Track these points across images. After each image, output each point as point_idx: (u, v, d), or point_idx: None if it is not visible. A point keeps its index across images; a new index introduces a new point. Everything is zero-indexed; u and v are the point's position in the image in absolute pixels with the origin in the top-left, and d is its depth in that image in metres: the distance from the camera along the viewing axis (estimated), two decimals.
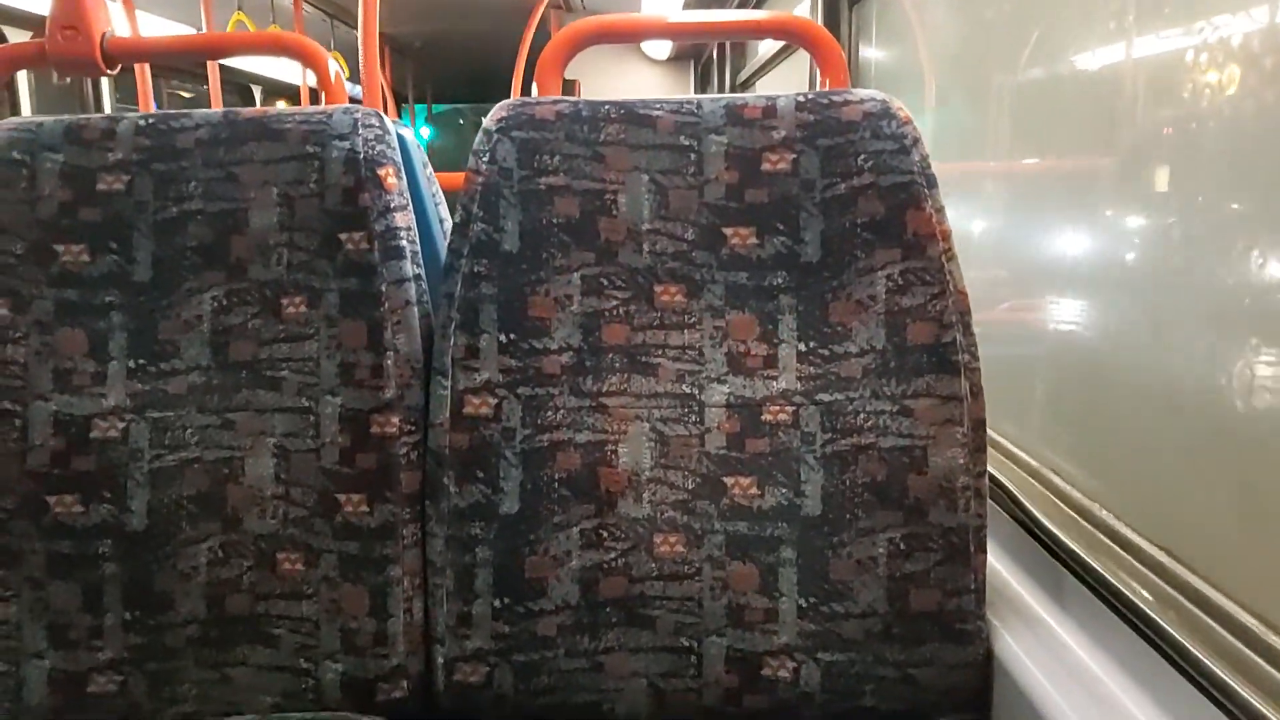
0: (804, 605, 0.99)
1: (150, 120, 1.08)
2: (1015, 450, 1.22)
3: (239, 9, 3.74)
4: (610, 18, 1.20)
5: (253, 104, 5.08)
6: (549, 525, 1.00)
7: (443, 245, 1.20)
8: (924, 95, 1.81)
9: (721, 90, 5.00)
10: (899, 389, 0.99)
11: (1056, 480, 1.10)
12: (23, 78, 2.95)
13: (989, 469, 1.02)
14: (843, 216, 1.01)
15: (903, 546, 0.98)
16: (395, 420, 1.02)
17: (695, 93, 6.45)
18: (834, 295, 1.01)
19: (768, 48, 3.63)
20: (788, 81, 3.38)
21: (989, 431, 1.01)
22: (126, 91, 3.49)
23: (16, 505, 1.03)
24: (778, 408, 1.01)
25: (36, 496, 1.03)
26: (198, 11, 3.50)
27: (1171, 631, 0.82)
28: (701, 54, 6.03)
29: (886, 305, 1.00)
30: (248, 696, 1.03)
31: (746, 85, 4.31)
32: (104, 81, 3.32)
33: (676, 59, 6.37)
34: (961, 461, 0.98)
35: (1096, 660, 0.91)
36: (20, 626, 1.03)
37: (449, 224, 1.25)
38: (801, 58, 2.34)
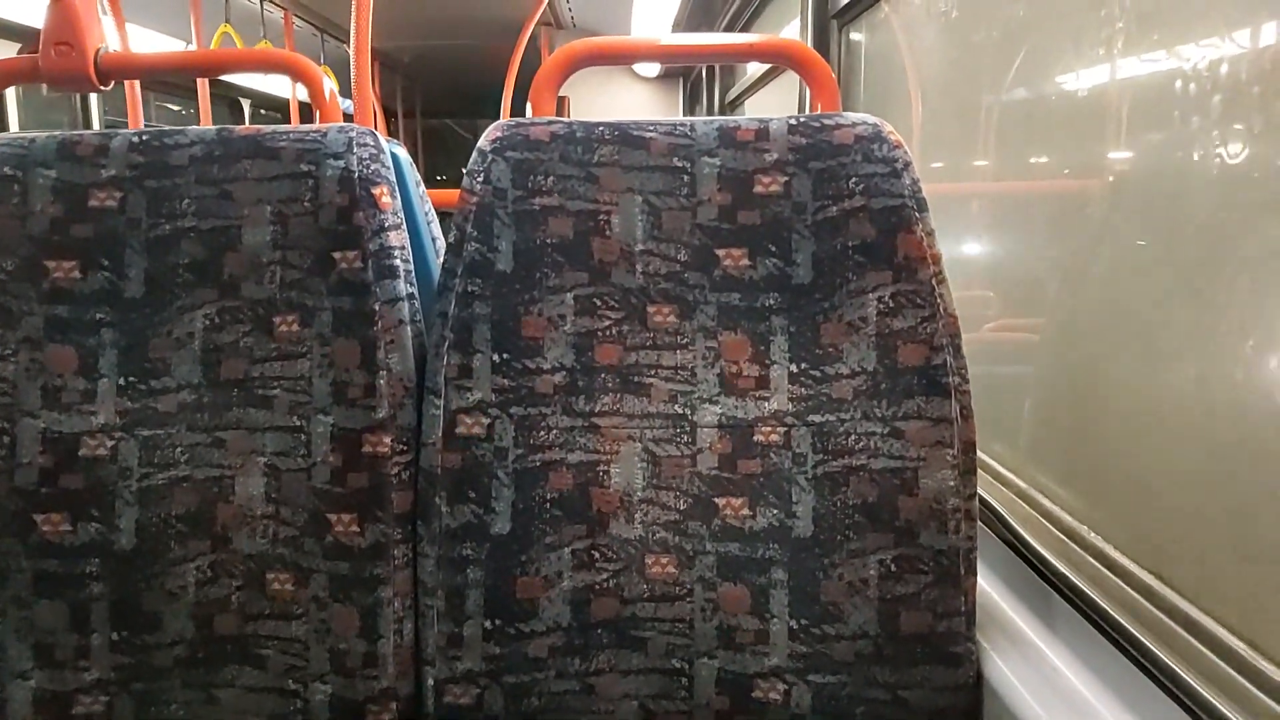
0: (795, 627, 0.99)
1: (144, 137, 1.08)
2: (1004, 472, 1.22)
3: (225, 21, 3.73)
4: (604, 40, 1.21)
5: (242, 118, 5.07)
6: (540, 546, 1.00)
7: (436, 264, 1.20)
8: (911, 116, 1.82)
9: (710, 108, 5.02)
10: (890, 411, 0.99)
11: (1045, 502, 1.11)
12: (10, 90, 2.94)
13: (979, 491, 1.03)
14: (834, 239, 1.02)
15: (893, 568, 0.98)
16: (387, 440, 1.01)
17: (684, 110, 6.48)
18: (825, 317, 1.02)
19: (756, 67, 3.65)
20: (775, 101, 3.40)
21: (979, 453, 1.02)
22: (114, 105, 3.48)
23: (3, 523, 1.02)
24: (769, 428, 1.01)
25: (24, 514, 1.02)
26: (185, 24, 3.49)
27: (1160, 655, 0.83)
28: (691, 72, 6.07)
29: (877, 327, 1.00)
30: (235, 718, 1.02)
31: (735, 104, 4.33)
32: (93, 96, 3.31)
33: (665, 77, 6.40)
34: (952, 484, 0.98)
35: (1086, 683, 0.91)
36: (5, 646, 1.02)
37: (441, 243, 1.25)
38: (790, 77, 2.36)
